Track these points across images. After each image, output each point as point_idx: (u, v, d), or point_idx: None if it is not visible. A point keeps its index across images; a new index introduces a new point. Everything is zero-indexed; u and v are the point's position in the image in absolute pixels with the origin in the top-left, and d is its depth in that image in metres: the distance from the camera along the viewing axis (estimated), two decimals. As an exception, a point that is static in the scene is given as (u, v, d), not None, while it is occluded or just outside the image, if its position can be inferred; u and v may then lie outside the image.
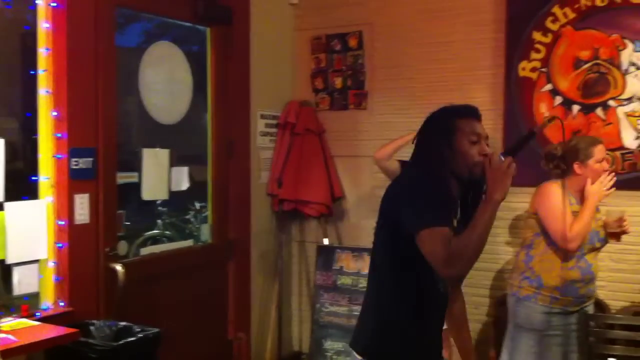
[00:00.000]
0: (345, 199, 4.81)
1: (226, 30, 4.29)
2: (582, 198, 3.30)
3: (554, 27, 4.06)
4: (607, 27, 3.93)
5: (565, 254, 3.24)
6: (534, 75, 4.12)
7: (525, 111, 4.13)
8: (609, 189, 3.25)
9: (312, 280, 4.68)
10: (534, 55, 4.11)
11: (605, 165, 3.32)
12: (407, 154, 3.93)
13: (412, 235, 2.02)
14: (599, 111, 3.96)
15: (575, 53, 4.02)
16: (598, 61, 3.97)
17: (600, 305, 3.74)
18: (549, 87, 4.09)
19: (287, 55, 4.92)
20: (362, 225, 4.73)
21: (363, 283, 4.36)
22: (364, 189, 4.73)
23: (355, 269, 4.43)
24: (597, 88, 3.98)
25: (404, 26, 4.54)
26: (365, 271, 4.35)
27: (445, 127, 2.19)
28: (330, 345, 4.40)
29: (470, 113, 2.23)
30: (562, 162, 3.34)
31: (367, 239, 4.68)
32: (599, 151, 3.31)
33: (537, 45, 4.10)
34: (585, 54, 4.00)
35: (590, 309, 3.44)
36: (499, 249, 4.22)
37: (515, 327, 3.40)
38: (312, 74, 4.88)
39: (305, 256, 4.93)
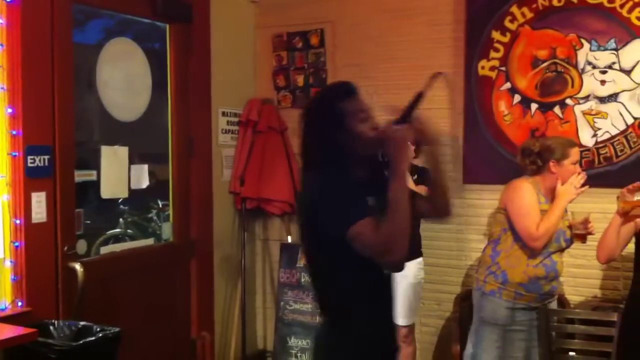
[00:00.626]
0: (308, 197, 4.81)
1: (186, 27, 4.25)
2: (552, 197, 3.35)
3: (512, 26, 4.12)
4: (564, 27, 4.00)
5: (531, 251, 3.29)
6: (493, 74, 4.17)
7: (484, 109, 4.19)
8: (579, 189, 3.30)
9: (276, 278, 4.67)
10: (493, 54, 4.17)
11: (578, 168, 3.38)
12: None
13: (341, 239, 1.96)
14: (557, 110, 4.03)
15: (533, 52, 4.09)
16: (555, 60, 4.03)
17: (560, 301, 3.80)
18: (507, 85, 4.15)
19: (249, 53, 4.91)
20: (324, 223, 4.74)
21: (326, 280, 4.38)
22: (326, 187, 4.74)
23: (319, 266, 4.43)
24: (555, 87, 4.04)
25: (365, 25, 4.56)
26: (329, 268, 4.37)
27: (331, 115, 2.09)
28: (295, 342, 4.40)
29: (349, 91, 2.14)
30: (538, 159, 3.38)
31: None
32: (574, 153, 3.37)
33: (496, 45, 4.16)
34: (542, 53, 4.06)
35: (553, 305, 3.49)
36: (465, 246, 4.27)
37: (480, 322, 3.44)
38: (274, 71, 4.87)
39: (269, 254, 4.92)
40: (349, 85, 2.18)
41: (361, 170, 2.12)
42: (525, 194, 3.32)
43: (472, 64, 4.21)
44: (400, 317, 3.95)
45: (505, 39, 4.13)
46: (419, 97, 2.07)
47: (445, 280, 4.33)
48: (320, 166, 2.11)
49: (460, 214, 4.27)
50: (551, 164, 3.35)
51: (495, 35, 4.15)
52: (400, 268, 2.12)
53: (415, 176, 3.92)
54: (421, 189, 3.87)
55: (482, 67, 4.18)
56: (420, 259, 3.98)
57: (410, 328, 4.02)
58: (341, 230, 1.95)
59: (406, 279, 3.89)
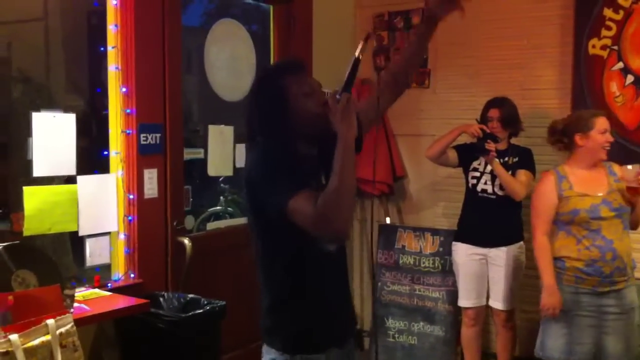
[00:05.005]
0: (407, 179, 4.78)
1: (288, 8, 4.29)
2: (589, 170, 3.26)
3: (625, 3, 3.93)
4: (682, 4, 3.79)
5: (575, 235, 3.19)
6: (604, 54, 3.99)
7: (594, 90, 4.02)
8: None
9: (374, 259, 4.67)
10: (604, 32, 3.98)
11: (608, 136, 3.24)
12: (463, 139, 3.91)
13: (280, 214, 1.91)
14: (673, 91, 3.84)
15: (648, 30, 3.90)
16: (672, 39, 3.83)
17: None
18: (619, 65, 3.96)
19: (349, 33, 4.89)
20: (423, 205, 4.70)
21: (425, 263, 4.35)
22: (425, 169, 4.68)
23: (417, 248, 4.40)
24: (671, 67, 3.85)
25: (468, 2, 4.44)
26: (428, 251, 4.35)
27: (274, 90, 2.04)
28: (392, 323, 4.41)
29: (295, 67, 2.10)
30: (564, 136, 3.32)
31: (429, 219, 4.68)
32: (601, 122, 3.23)
33: (608, 22, 3.97)
34: (658, 32, 3.87)
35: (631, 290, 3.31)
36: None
37: None
38: (374, 51, 4.83)
39: (367, 234, 4.92)
40: (294, 61, 2.17)
41: (312, 147, 2.08)
42: (539, 187, 3.34)
43: (581, 43, 4.04)
44: (501, 302, 3.89)
45: (618, 17, 3.95)
46: (356, 64, 2.00)
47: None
48: (263, 142, 2.07)
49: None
50: (577, 137, 3.24)
51: (607, 12, 3.97)
52: (339, 242, 2.09)
53: (517, 158, 3.82)
54: (524, 175, 3.78)
55: (593, 46, 4.01)
56: (521, 243, 3.90)
57: (510, 313, 3.94)
58: (281, 205, 1.90)
59: (506, 263, 3.82)
